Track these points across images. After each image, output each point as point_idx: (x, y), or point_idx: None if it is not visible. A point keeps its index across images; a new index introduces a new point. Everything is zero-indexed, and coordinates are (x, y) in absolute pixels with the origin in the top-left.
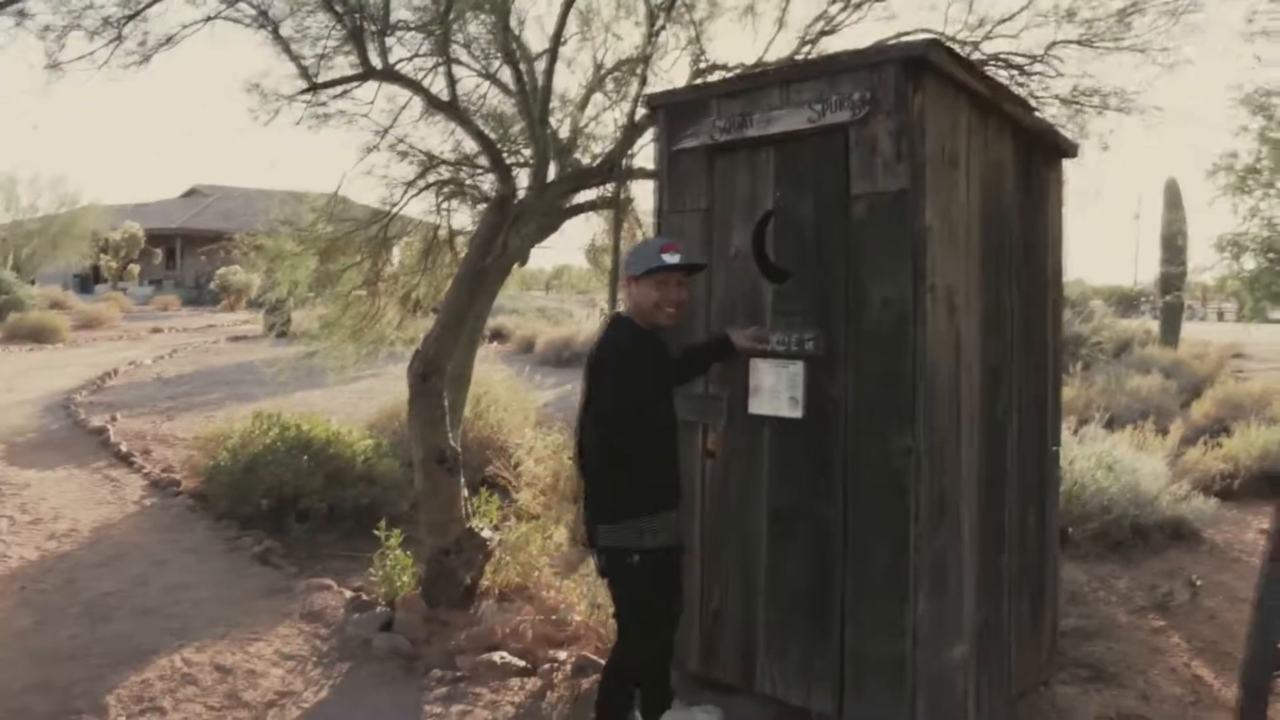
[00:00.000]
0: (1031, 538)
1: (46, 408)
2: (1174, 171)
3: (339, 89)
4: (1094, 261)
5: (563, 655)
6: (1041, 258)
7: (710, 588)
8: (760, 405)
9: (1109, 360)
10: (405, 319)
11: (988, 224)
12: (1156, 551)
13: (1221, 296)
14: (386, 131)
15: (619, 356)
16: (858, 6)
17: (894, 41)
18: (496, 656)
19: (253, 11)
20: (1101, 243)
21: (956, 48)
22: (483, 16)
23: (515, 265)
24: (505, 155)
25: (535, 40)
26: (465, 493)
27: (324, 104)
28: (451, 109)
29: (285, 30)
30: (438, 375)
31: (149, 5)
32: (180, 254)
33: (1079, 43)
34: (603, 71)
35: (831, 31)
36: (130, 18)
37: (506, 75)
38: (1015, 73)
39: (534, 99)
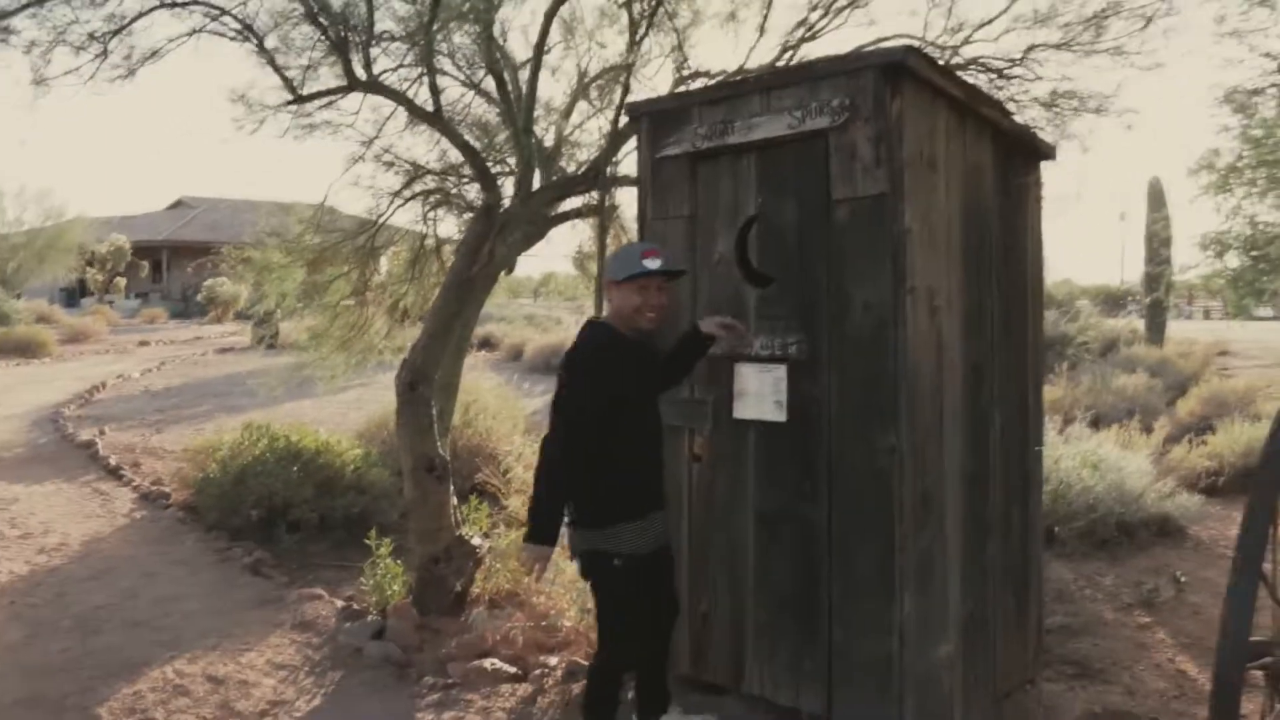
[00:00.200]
0: (1015, 536)
1: (34, 422)
2: (1161, 171)
3: (324, 100)
4: (1081, 261)
5: (553, 661)
6: (1021, 258)
7: (699, 591)
8: (745, 410)
9: (1095, 359)
10: (393, 328)
11: (968, 226)
12: (1142, 548)
13: (1207, 295)
14: (372, 142)
15: (590, 359)
16: (838, 13)
17: (872, 48)
18: (488, 663)
19: (237, 25)
20: (1088, 243)
21: (936, 53)
22: (467, 26)
23: (502, 273)
24: (490, 164)
25: (519, 49)
26: (455, 500)
27: (309, 115)
28: (436, 119)
29: (270, 42)
30: (425, 384)
31: (134, 20)
32: (167, 266)
33: (1057, 46)
34: (587, 80)
35: (812, 37)
36: (115, 33)
37: (491, 84)
38: (995, 76)
39: (518, 108)
